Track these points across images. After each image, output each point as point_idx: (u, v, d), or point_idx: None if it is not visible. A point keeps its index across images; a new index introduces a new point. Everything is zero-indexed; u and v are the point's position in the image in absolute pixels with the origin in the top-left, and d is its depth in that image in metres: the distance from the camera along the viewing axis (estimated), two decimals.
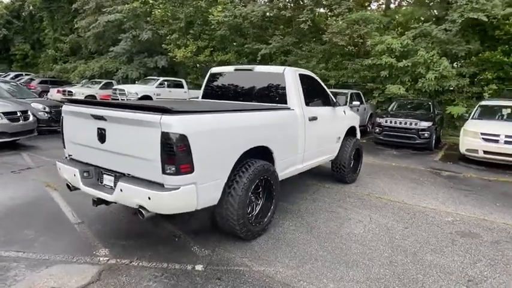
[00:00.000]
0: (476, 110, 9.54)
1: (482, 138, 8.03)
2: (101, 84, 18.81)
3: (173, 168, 2.77)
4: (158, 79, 17.46)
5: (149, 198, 2.82)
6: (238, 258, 3.25)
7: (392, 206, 4.91)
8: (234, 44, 21.11)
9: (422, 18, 13.72)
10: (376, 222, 4.29)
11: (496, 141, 7.85)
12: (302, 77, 4.75)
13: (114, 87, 16.76)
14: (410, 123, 9.99)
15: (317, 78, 5.38)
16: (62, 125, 3.70)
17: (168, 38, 21.21)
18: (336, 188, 5.65)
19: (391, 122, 10.30)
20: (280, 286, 2.81)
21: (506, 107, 9.40)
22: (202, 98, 5.32)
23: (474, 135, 8.22)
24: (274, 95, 4.59)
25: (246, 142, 3.43)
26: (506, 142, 7.73)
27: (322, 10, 18.87)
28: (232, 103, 4.63)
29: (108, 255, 3.19)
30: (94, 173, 3.42)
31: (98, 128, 3.19)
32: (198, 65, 22.05)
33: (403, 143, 10.11)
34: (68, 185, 3.60)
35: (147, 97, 15.85)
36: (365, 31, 13.72)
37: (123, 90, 15.26)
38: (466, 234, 4.04)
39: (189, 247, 3.44)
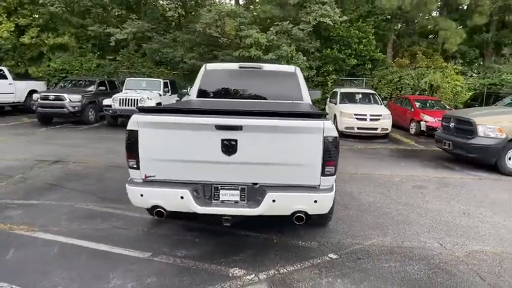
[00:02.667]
0: (337, 96, 12.43)
1: (356, 118, 10.79)
2: None
3: (331, 170, 2.99)
4: None
5: (315, 202, 2.94)
6: (344, 240, 3.74)
7: (361, 178, 6.30)
8: (70, 24, 17.93)
9: (282, 16, 15.98)
10: (368, 191, 5.53)
11: (365, 119, 10.76)
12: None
13: None
14: None
15: None
16: (133, 140, 2.99)
17: None
18: None
19: None
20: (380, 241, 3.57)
21: (357, 93, 12.77)
22: (198, 96, 5.02)
23: (350, 116, 10.89)
24: (288, 94, 4.96)
25: None
26: (371, 120, 10.75)
27: None
28: None
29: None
30: (203, 191, 3.05)
31: (224, 140, 2.90)
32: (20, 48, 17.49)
33: None
34: (159, 211, 3.01)
35: None
36: (235, 24, 14.79)
37: None
38: (418, 186, 5.86)
39: (297, 244, 3.61)
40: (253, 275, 2.98)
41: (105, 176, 5.90)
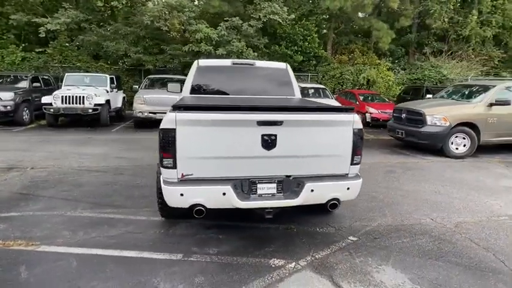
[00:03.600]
0: None
1: None
2: None
3: (358, 159, 3.27)
4: None
5: (348, 189, 3.19)
6: (354, 223, 4.07)
7: None
8: None
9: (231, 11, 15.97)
10: None
11: None
12: None
13: None
14: None
15: None
16: (170, 139, 2.90)
17: None
18: None
19: None
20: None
21: (310, 88, 13.45)
22: (191, 93, 4.93)
23: None
24: (281, 90, 5.14)
25: None
26: None
27: None
28: None
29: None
30: (241, 186, 3.09)
31: (264, 135, 2.98)
32: None
33: None
34: (199, 210, 2.98)
35: None
36: (185, 18, 14.42)
37: None
38: (388, 171, 6.54)
39: (316, 231, 3.83)
40: (294, 263, 3.13)
41: (81, 181, 5.45)
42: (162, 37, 16.40)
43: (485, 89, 8.47)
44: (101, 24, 16.05)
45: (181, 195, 2.94)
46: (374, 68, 18.20)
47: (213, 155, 2.99)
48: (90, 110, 10.86)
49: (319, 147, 3.14)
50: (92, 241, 3.46)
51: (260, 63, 5.32)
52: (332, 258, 3.24)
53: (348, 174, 3.27)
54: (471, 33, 18.83)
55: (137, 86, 12.58)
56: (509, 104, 7.97)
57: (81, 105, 10.76)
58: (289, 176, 3.19)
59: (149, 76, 13.29)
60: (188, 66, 15.74)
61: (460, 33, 19.05)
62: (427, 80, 18.44)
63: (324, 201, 3.20)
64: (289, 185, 3.17)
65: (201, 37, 14.38)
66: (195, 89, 4.94)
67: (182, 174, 3.00)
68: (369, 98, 14.46)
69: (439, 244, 3.60)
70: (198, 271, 2.96)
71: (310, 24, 17.75)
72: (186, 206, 3.00)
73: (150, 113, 11.06)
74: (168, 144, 2.91)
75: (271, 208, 3.15)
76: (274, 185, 3.14)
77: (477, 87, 8.95)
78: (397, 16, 18.63)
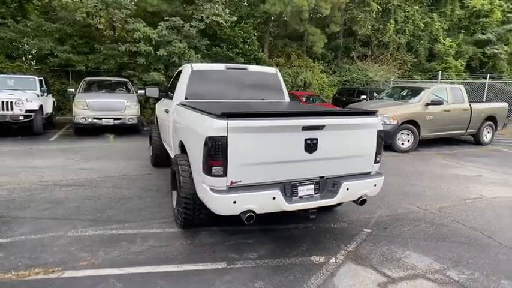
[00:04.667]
0: None
1: None
2: None
3: (379, 157, 3.66)
4: None
5: (375, 185, 3.54)
6: (360, 216, 4.47)
7: None
8: None
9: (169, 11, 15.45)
10: None
11: None
12: None
13: None
14: None
15: None
16: (221, 147, 2.89)
17: None
18: None
19: None
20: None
21: None
22: (187, 98, 4.83)
23: None
24: (272, 94, 5.34)
25: None
26: None
27: None
28: None
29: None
30: (284, 189, 3.22)
31: (307, 139, 3.16)
32: None
33: None
34: (250, 215, 3.02)
35: None
36: (122, 16, 13.57)
37: None
38: None
39: (332, 227, 4.12)
40: (334, 258, 3.37)
41: (56, 197, 4.91)
42: (92, 35, 15.16)
43: (419, 90, 9.84)
44: (19, 19, 14.15)
45: (234, 202, 2.95)
46: (310, 70, 19.45)
47: (261, 161, 3.06)
48: (22, 117, 9.62)
49: (351, 149, 3.44)
50: (119, 260, 3.23)
51: (252, 68, 5.45)
52: (362, 250, 3.57)
53: (371, 172, 3.64)
54: (389, 40, 21.35)
55: (73, 90, 11.46)
56: (442, 104, 9.39)
57: (10, 112, 9.46)
58: (323, 177, 3.42)
59: (86, 78, 12.23)
60: (125, 67, 14.95)
61: (381, 39, 21.47)
62: (355, 81, 20.38)
63: (355, 198, 3.50)
64: (325, 185, 3.40)
65: (139, 36, 13.69)
66: (191, 95, 4.85)
67: (231, 181, 3.01)
68: (310, 99, 15.44)
69: (436, 228, 4.20)
70: (252, 276, 3.01)
71: (249, 27, 18.19)
72: (237, 213, 3.02)
73: (94, 118, 10.24)
74: (218, 152, 2.89)
75: (313, 209, 3.34)
76: (312, 186, 3.34)
77: (412, 89, 10.34)
78: (327, 22, 20.18)
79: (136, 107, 10.91)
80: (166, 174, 5.49)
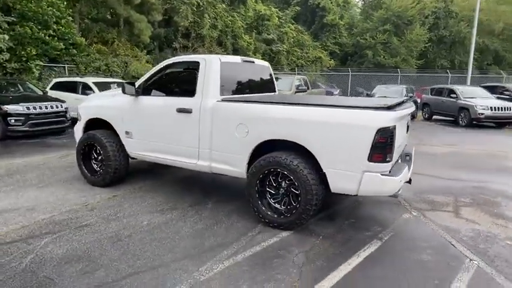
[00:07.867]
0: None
1: None
2: None
3: None
4: None
5: None
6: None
7: None
8: None
9: None
10: None
11: None
12: None
13: None
14: None
15: None
16: (390, 137, 3.19)
17: None
18: None
19: None
20: None
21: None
22: (221, 94, 4.24)
23: None
24: (268, 86, 5.29)
25: None
26: None
27: None
28: None
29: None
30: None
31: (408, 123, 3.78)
32: None
33: None
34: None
35: None
36: None
37: None
38: None
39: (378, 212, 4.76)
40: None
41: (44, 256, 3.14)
42: None
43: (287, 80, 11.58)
44: None
45: (400, 181, 3.39)
46: (137, 60, 18.18)
47: (396, 146, 3.41)
48: None
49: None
50: None
51: (257, 61, 5.40)
52: (430, 215, 4.43)
53: None
54: (206, 33, 22.71)
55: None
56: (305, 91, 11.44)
57: None
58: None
59: None
60: None
61: (199, 32, 22.48)
62: None
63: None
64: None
65: None
66: (224, 90, 4.32)
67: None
68: None
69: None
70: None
71: (62, 4, 14.93)
72: (398, 188, 3.39)
73: None
74: (389, 142, 3.22)
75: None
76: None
77: None
78: (147, 9, 19.24)
79: None
80: (136, 192, 4.78)
